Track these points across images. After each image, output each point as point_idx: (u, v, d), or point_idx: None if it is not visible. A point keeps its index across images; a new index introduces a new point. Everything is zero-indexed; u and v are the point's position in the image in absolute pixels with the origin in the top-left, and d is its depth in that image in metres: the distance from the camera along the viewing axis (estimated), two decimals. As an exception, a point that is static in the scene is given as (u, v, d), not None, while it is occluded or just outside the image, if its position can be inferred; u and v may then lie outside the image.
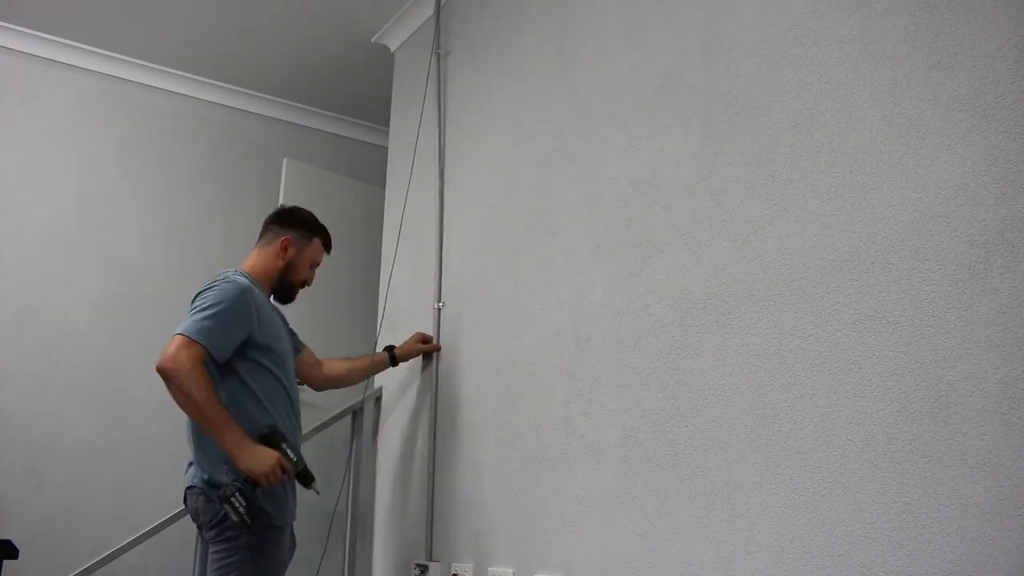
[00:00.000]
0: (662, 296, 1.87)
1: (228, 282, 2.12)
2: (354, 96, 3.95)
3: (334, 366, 2.53)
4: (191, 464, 2.16)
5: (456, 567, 2.37)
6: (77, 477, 3.26)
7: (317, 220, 2.41)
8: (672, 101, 1.94)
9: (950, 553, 1.26)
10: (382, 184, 3.32)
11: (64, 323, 3.36)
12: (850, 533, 1.40)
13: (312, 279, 2.40)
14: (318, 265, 2.40)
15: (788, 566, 1.49)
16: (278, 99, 3.98)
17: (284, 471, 2.00)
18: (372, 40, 3.42)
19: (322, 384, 2.52)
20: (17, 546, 2.46)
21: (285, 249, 2.30)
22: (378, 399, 2.92)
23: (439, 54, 2.94)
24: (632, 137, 2.04)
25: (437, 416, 2.61)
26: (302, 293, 2.42)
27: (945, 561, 1.27)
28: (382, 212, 3.23)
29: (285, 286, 2.32)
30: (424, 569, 2.46)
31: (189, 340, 1.98)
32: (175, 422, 3.49)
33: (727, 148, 1.78)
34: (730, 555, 1.60)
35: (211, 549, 2.04)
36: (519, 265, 2.37)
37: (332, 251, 2.46)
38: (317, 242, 2.38)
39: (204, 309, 2.04)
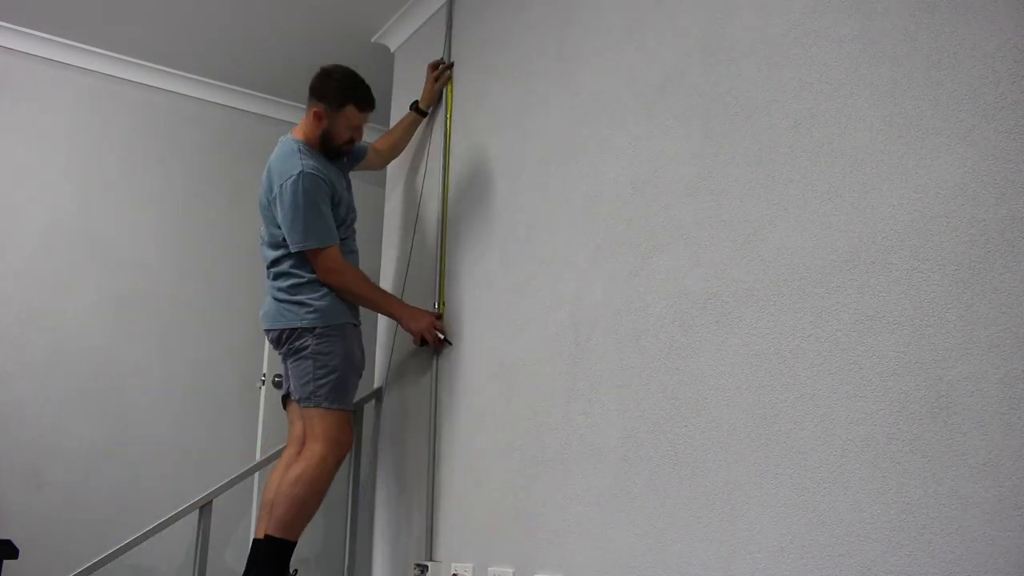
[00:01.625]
0: (662, 296, 1.87)
1: (290, 178, 2.38)
2: (354, 96, 3.94)
3: (380, 145, 2.89)
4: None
5: (456, 567, 2.37)
6: (77, 477, 3.26)
7: (348, 83, 2.52)
8: (672, 101, 1.94)
9: (950, 553, 1.26)
10: (382, 184, 3.32)
11: (64, 323, 3.36)
12: (850, 533, 1.40)
13: (360, 135, 2.59)
14: (361, 125, 2.56)
15: (788, 566, 1.49)
16: (278, 99, 3.98)
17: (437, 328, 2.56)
18: (372, 40, 3.42)
19: (381, 165, 2.96)
20: (17, 546, 2.46)
21: (319, 119, 2.50)
22: (378, 399, 2.92)
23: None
24: (632, 137, 2.04)
25: (437, 416, 2.61)
26: None
27: (945, 561, 1.27)
28: (382, 212, 3.23)
29: (330, 149, 2.54)
30: (424, 569, 2.47)
31: (318, 250, 2.40)
32: (175, 422, 3.52)
33: (727, 148, 1.78)
34: (730, 555, 1.60)
35: (289, 360, 2.46)
36: (519, 265, 2.37)
37: None
38: (350, 109, 2.50)
39: (296, 209, 2.37)
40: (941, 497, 1.29)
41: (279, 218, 2.42)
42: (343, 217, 2.53)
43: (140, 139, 3.69)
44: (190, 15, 3.33)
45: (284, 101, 4.02)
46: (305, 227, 2.38)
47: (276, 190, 2.42)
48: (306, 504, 2.32)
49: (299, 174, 2.38)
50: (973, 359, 1.29)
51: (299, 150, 2.45)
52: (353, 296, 2.47)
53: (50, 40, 3.47)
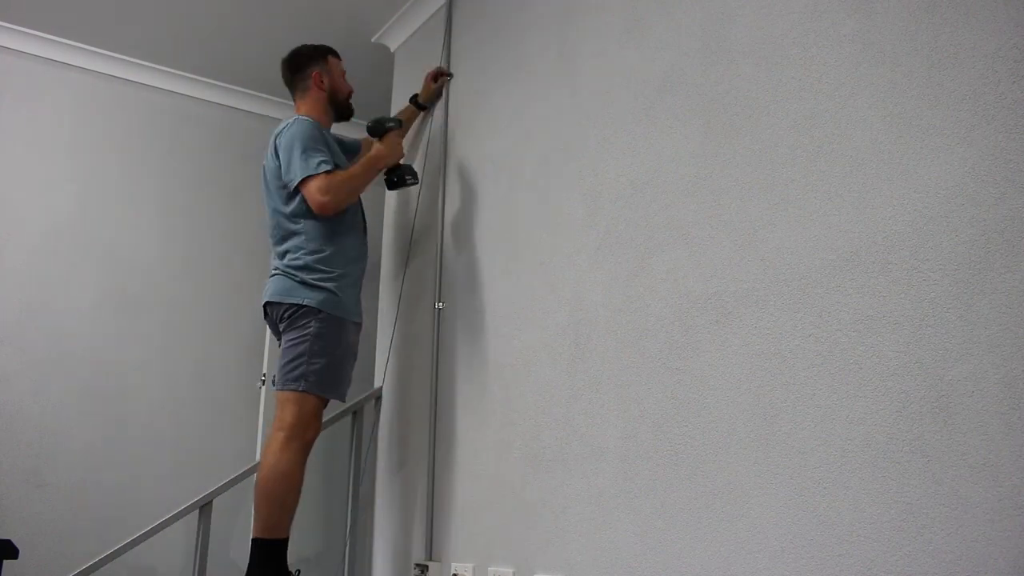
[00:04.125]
0: (662, 296, 1.87)
1: (297, 123, 2.51)
2: (354, 96, 3.94)
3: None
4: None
5: (456, 567, 2.37)
6: (77, 477, 3.26)
7: (316, 45, 2.76)
8: (672, 101, 1.94)
9: (950, 553, 1.26)
10: (381, 183, 3.31)
11: (64, 323, 3.36)
12: (850, 533, 1.40)
13: (351, 86, 2.82)
14: (344, 73, 2.82)
15: (788, 566, 1.49)
16: (278, 99, 3.98)
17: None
18: (372, 40, 3.42)
19: None
20: (17, 546, 2.46)
21: (321, 81, 2.70)
22: (378, 399, 2.92)
23: (448, 86, 2.93)
24: (632, 137, 2.04)
25: (437, 416, 2.61)
26: None
27: (945, 561, 1.27)
28: (382, 211, 3.23)
29: (340, 105, 2.77)
30: (424, 569, 2.46)
31: (312, 177, 2.42)
32: (175, 422, 3.52)
33: (727, 148, 1.78)
34: (730, 555, 1.60)
35: (285, 337, 2.44)
36: (519, 265, 2.37)
37: None
38: (332, 59, 2.77)
39: (295, 149, 2.44)
40: (941, 497, 1.29)
41: (282, 166, 2.47)
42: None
43: (140, 139, 3.69)
44: (190, 15, 3.33)
45: (284, 101, 4.01)
46: (305, 157, 2.42)
47: (284, 139, 2.49)
48: (283, 500, 2.28)
49: (310, 121, 2.52)
50: (973, 359, 1.29)
51: (312, 122, 2.55)
52: (355, 189, 2.53)
53: (50, 40, 3.47)
